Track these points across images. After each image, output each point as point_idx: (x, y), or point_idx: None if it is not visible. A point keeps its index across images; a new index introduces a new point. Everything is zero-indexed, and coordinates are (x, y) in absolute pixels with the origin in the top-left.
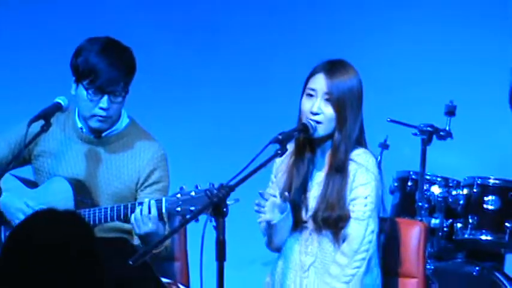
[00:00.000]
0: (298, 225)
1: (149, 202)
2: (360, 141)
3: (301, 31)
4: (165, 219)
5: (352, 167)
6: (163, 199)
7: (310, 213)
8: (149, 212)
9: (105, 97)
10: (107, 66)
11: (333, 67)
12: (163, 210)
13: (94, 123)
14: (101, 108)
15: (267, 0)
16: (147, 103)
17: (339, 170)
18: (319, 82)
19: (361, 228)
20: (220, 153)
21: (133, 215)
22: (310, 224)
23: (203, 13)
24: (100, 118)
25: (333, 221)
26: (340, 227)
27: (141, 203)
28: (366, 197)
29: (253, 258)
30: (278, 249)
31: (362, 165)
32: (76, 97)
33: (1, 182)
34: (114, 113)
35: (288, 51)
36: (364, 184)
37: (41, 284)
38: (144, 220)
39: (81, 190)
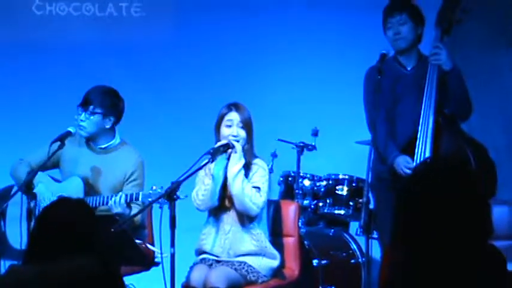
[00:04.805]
0: (222, 209)
1: (120, 195)
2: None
3: (212, 74)
4: (131, 206)
5: (254, 168)
6: (140, 193)
7: (232, 201)
8: (119, 201)
9: (83, 113)
10: (89, 93)
11: (239, 106)
12: (140, 201)
13: (78, 130)
14: (81, 120)
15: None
16: (132, 127)
17: (247, 168)
18: (234, 116)
19: (262, 199)
20: (172, 161)
21: (110, 201)
22: (231, 208)
23: (154, 63)
24: (79, 127)
25: None
26: None
27: (117, 194)
28: (263, 183)
29: (194, 227)
30: (206, 209)
31: (260, 167)
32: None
33: (37, 176)
34: (88, 125)
35: (210, 87)
36: (262, 176)
37: (63, 248)
38: (115, 205)
39: (89, 184)
